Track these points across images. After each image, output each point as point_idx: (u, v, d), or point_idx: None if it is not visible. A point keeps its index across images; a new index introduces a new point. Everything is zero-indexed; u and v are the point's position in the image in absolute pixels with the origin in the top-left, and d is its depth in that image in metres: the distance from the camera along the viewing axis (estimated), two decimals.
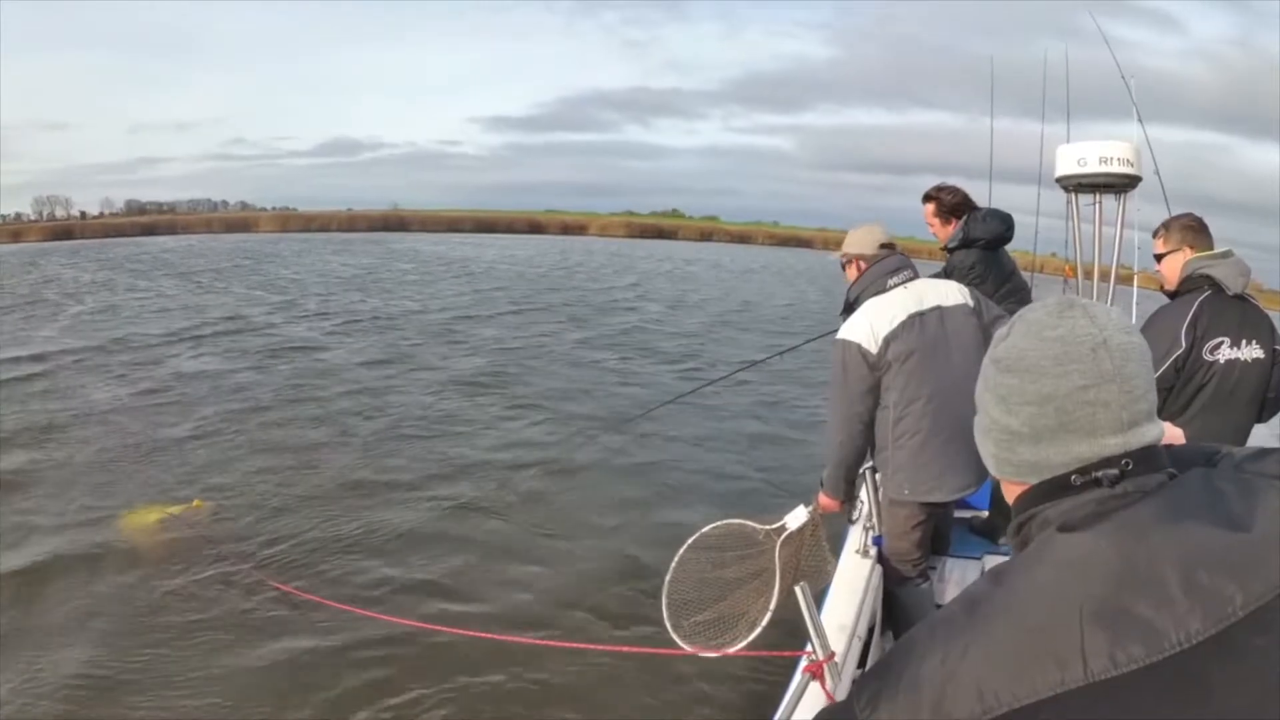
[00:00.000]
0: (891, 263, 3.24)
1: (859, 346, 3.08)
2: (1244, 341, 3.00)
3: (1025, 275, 4.57)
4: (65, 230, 71.60)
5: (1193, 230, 3.19)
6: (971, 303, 3.25)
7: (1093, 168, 4.26)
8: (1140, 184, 4.41)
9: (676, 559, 3.01)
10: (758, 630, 2.80)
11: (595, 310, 19.39)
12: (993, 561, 3.77)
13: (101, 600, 4.74)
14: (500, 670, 4.09)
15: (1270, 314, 3.06)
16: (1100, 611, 0.79)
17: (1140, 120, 4.81)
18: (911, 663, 0.89)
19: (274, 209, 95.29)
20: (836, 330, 3.25)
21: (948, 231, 4.29)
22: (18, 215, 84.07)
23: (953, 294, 3.24)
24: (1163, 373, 2.98)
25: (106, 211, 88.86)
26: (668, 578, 2.97)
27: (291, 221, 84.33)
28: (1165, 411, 3.01)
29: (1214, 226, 3.19)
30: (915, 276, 3.24)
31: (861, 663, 2.78)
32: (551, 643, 3.94)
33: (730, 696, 3.94)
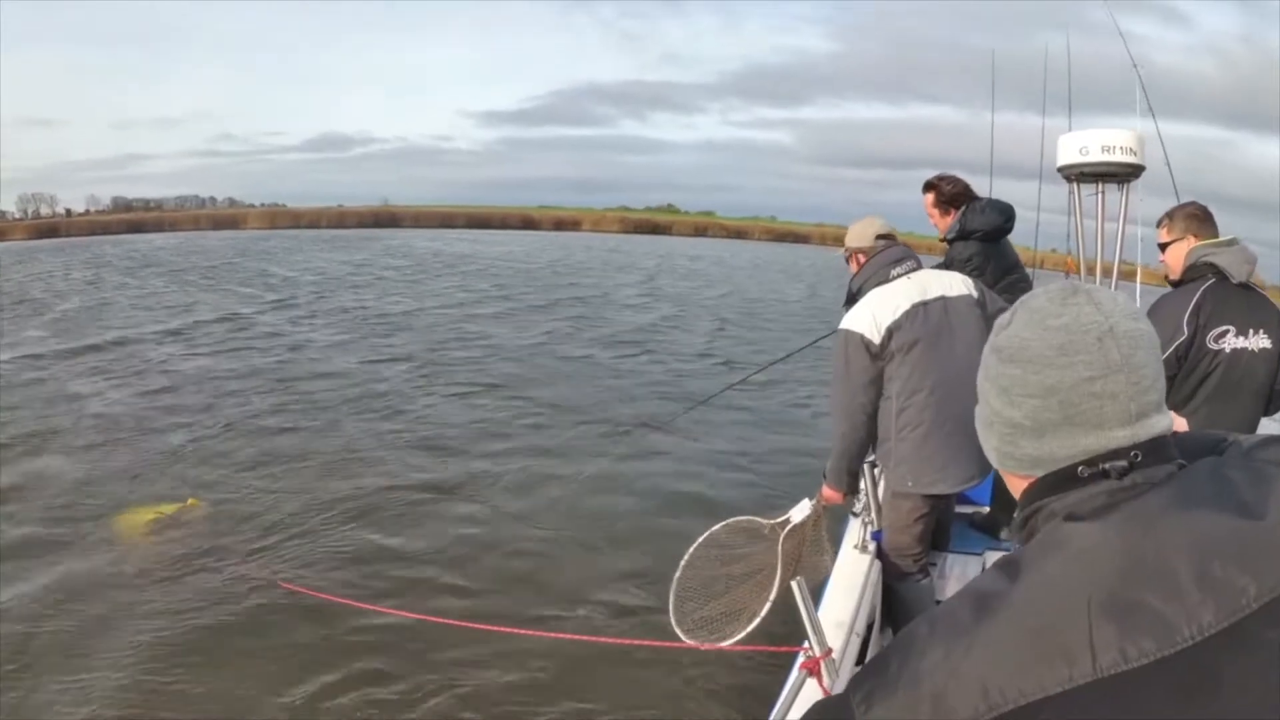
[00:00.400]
0: (894, 253, 3.26)
1: (861, 336, 3.09)
2: (1251, 330, 2.99)
3: (1027, 271, 4.56)
4: (51, 228, 71.38)
5: (1196, 219, 3.19)
6: (975, 294, 3.27)
7: (1095, 156, 4.22)
8: (1144, 175, 4.39)
9: (686, 556, 3.05)
10: (755, 623, 2.83)
11: (612, 307, 19.50)
12: (994, 557, 3.76)
13: (100, 600, 4.73)
14: (500, 661, 4.14)
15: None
16: (1109, 604, 0.77)
17: (1152, 111, 4.80)
18: (911, 658, 0.85)
19: (263, 205, 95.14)
20: (827, 334, 3.26)
21: (947, 222, 4.28)
22: (2, 214, 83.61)
23: (957, 284, 3.26)
24: (1164, 360, 2.96)
25: (93, 209, 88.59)
26: (676, 575, 3.00)
27: (280, 218, 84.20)
28: (1169, 402, 2.99)
29: (1219, 222, 3.19)
30: (918, 267, 3.26)
31: (860, 659, 2.78)
32: (552, 634, 3.96)
33: (729, 691, 3.95)
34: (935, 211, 4.32)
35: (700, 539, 3.13)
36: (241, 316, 15.93)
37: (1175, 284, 3.17)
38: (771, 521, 3.21)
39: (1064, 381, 0.92)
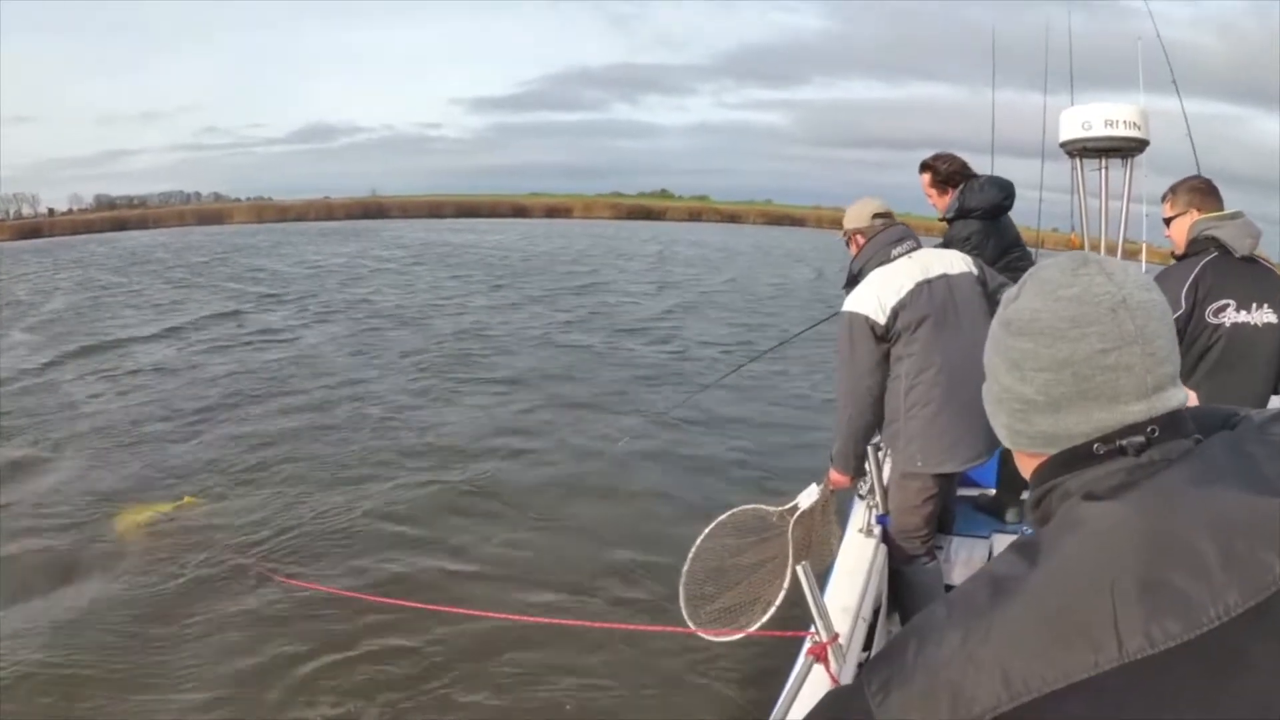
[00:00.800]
0: (894, 233, 3.27)
1: (866, 318, 3.09)
2: (1254, 305, 2.97)
3: (1030, 251, 4.55)
4: (33, 229, 70.91)
5: (1200, 192, 3.18)
6: (975, 271, 3.28)
7: (1098, 131, 4.21)
8: (1148, 150, 4.37)
9: (694, 548, 3.04)
10: (771, 612, 2.82)
11: (615, 294, 19.52)
12: (1001, 540, 3.78)
13: (96, 601, 4.74)
14: (505, 649, 4.17)
15: None
16: (1133, 586, 0.75)
17: (1176, 85, 4.79)
18: (928, 646, 0.84)
19: (248, 199, 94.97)
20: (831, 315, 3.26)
21: (945, 201, 4.25)
22: None
23: (957, 262, 3.26)
24: None
25: (75, 207, 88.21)
26: (685, 567, 3.00)
27: (267, 212, 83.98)
28: None
29: (1227, 199, 3.18)
30: (918, 246, 3.26)
31: (867, 645, 2.79)
32: (555, 620, 3.97)
33: (735, 676, 3.97)
34: (933, 191, 4.29)
35: (707, 530, 3.12)
36: (232, 314, 15.85)
37: (1179, 259, 3.16)
38: (779, 509, 3.21)
39: (1077, 354, 0.90)
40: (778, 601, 2.83)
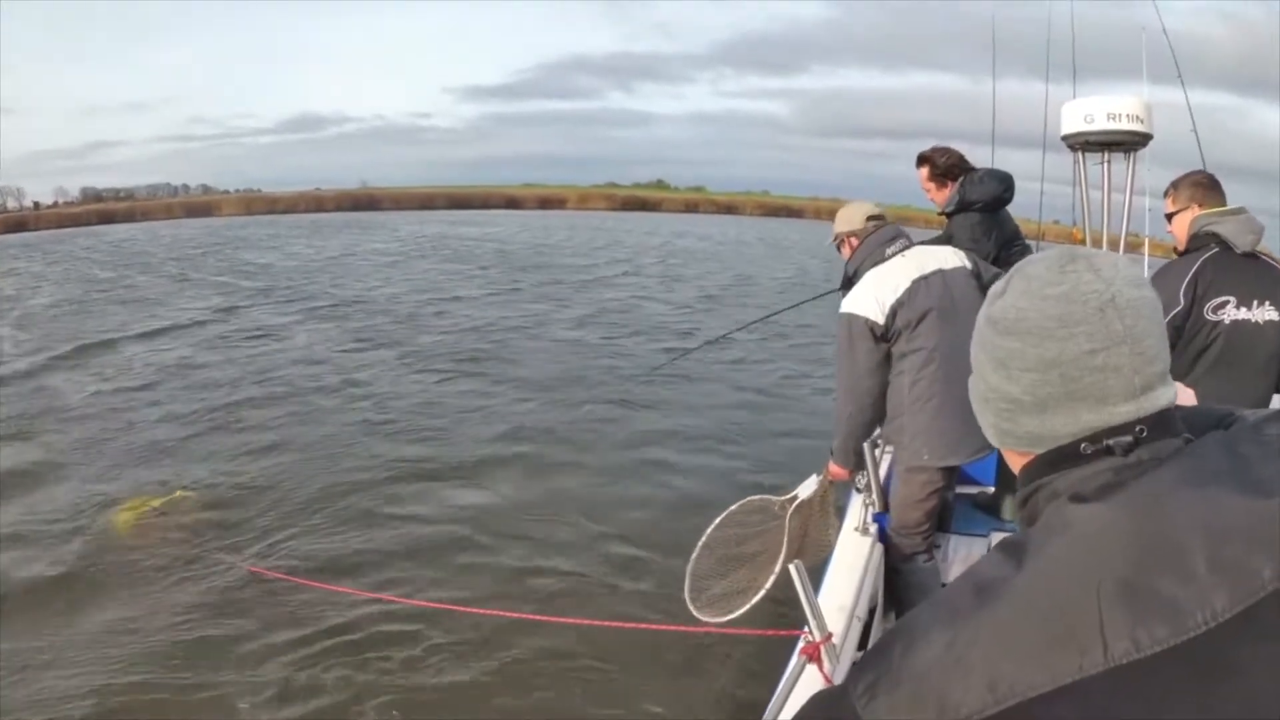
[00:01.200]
0: (887, 232, 3.34)
1: (866, 320, 3.14)
2: (1255, 302, 2.95)
3: (1030, 244, 4.54)
4: (18, 222, 70.43)
5: (1202, 187, 3.17)
6: (970, 265, 3.32)
7: (1100, 125, 4.18)
8: (1151, 144, 4.36)
9: (704, 538, 3.20)
10: (756, 598, 2.97)
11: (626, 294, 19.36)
12: (999, 538, 3.78)
13: (89, 596, 4.76)
14: (498, 645, 4.18)
15: None
16: (1120, 589, 0.75)
17: (1180, 77, 4.77)
18: (914, 649, 0.84)
19: (237, 191, 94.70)
20: (834, 289, 3.31)
21: (944, 195, 4.25)
22: None
23: (951, 258, 3.31)
24: None
25: (61, 201, 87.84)
26: (693, 555, 3.16)
27: (256, 204, 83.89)
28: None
29: (1232, 193, 3.16)
30: (911, 244, 3.32)
31: (862, 644, 2.80)
32: (547, 618, 4.00)
33: (732, 674, 3.99)
34: (931, 185, 4.29)
35: (717, 520, 3.26)
36: (222, 307, 15.81)
37: (1181, 255, 3.15)
38: (782, 499, 3.34)
39: (1064, 354, 0.89)
40: (766, 586, 2.97)
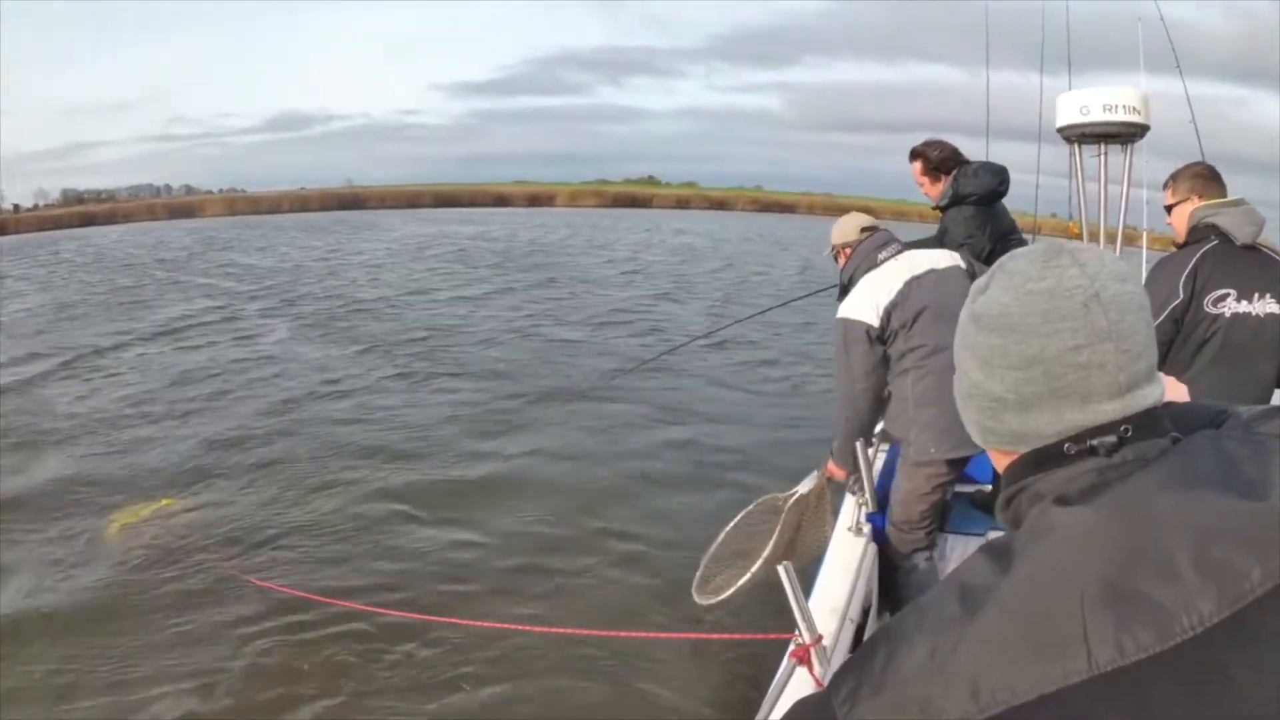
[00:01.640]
0: (879, 238, 3.45)
1: (862, 324, 3.22)
2: (1255, 295, 2.95)
3: (1027, 238, 4.54)
4: None
5: (1202, 179, 3.18)
6: (964, 265, 3.38)
7: (1096, 116, 4.18)
8: (1149, 135, 4.35)
9: (720, 536, 3.34)
10: (742, 580, 3.05)
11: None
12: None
13: (73, 606, 4.74)
14: (486, 654, 4.18)
15: None
16: (1103, 595, 0.74)
17: (1179, 66, 4.76)
18: (897, 655, 0.83)
19: (220, 191, 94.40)
20: (827, 287, 3.37)
21: (937, 189, 4.25)
22: None
23: (944, 258, 3.39)
24: (1160, 324, 2.96)
25: (41, 203, 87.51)
26: (710, 550, 3.30)
27: (240, 204, 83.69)
28: (1168, 367, 3.00)
29: (1234, 185, 3.17)
30: (903, 249, 3.42)
31: (855, 646, 2.78)
32: (535, 628, 3.97)
33: (724, 678, 4.01)
34: (924, 180, 4.30)
35: (734, 520, 3.38)
36: (209, 311, 15.76)
37: (1180, 247, 3.16)
38: (784, 495, 3.44)
39: (1048, 351, 0.89)
40: (752, 570, 3.05)
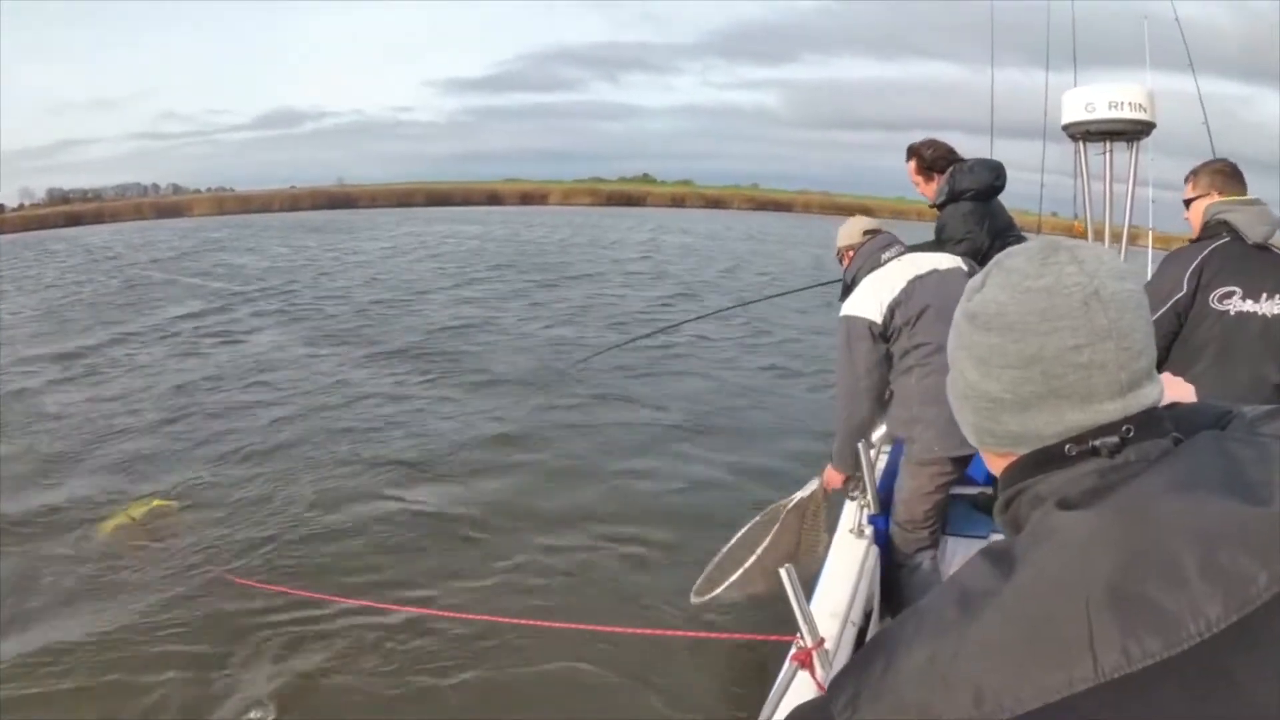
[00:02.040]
0: (882, 240, 3.52)
1: (864, 320, 3.27)
2: (1264, 295, 2.95)
3: (1027, 235, 4.54)
4: None
5: (1222, 175, 3.18)
6: (966, 267, 3.43)
7: (1101, 114, 4.20)
8: (1154, 132, 4.36)
9: (727, 546, 3.42)
10: (732, 579, 3.10)
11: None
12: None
13: (73, 611, 4.73)
14: (485, 651, 4.19)
15: None
16: (1109, 601, 0.73)
17: (1192, 65, 4.76)
18: (896, 660, 0.82)
19: (209, 190, 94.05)
20: (827, 280, 3.40)
21: (932, 188, 4.27)
22: None
23: (946, 260, 3.45)
24: (1162, 316, 2.98)
25: (27, 203, 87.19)
26: (713, 561, 3.37)
27: (229, 203, 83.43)
28: (1171, 363, 3.02)
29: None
30: (906, 250, 3.48)
31: (857, 650, 2.78)
32: (535, 622, 4.00)
33: (724, 681, 4.01)
34: (919, 179, 4.32)
35: (744, 529, 3.47)
36: (201, 313, 15.70)
37: (1194, 243, 3.16)
38: (783, 502, 3.53)
39: (1047, 350, 0.87)
40: (744, 567, 3.11)
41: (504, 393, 9.39)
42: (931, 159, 4.24)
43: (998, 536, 3.05)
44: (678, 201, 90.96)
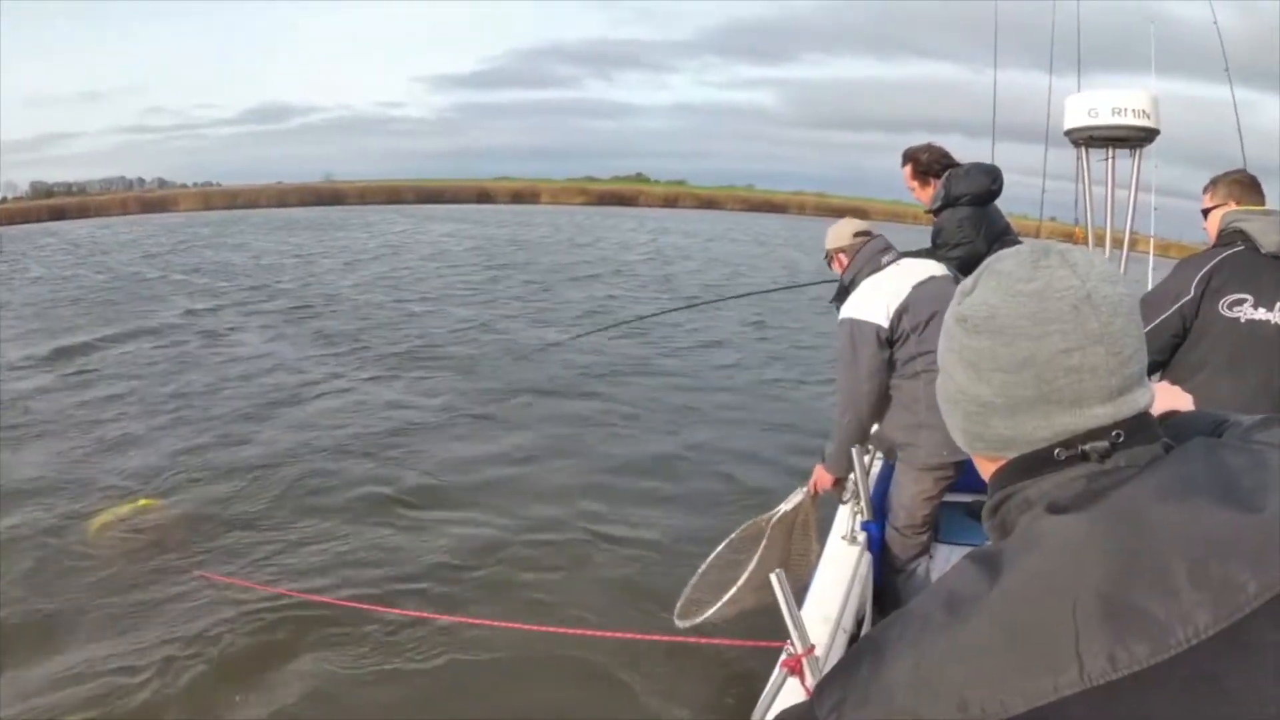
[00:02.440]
0: (880, 243, 3.56)
1: (872, 325, 3.29)
2: (1277, 304, 2.95)
3: (1023, 240, 4.55)
4: None
5: (1240, 185, 3.22)
6: (955, 275, 3.48)
7: (1104, 119, 4.22)
8: (1157, 139, 4.37)
9: (703, 566, 3.41)
10: (720, 604, 3.11)
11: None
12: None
13: (56, 608, 4.74)
14: (470, 654, 4.22)
15: None
16: (1096, 607, 0.74)
17: (1229, 74, 4.77)
18: (883, 666, 0.82)
19: (195, 185, 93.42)
20: (825, 280, 3.64)
21: (928, 193, 4.31)
22: None
23: (939, 269, 3.50)
24: (1167, 317, 3.00)
25: (10, 196, 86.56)
26: (691, 581, 3.36)
27: (215, 199, 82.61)
28: (1180, 369, 3.04)
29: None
30: (900, 257, 3.54)
31: None
32: (524, 626, 4.01)
33: (714, 687, 4.02)
34: (915, 184, 4.36)
35: (719, 548, 3.44)
36: (191, 311, 15.65)
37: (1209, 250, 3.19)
38: (768, 515, 3.52)
39: (1038, 354, 0.89)
40: (739, 582, 3.11)
41: (503, 395, 9.44)
42: (927, 163, 4.26)
43: None
44: (671, 201, 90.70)
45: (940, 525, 3.93)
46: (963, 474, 3.42)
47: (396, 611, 4.38)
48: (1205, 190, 3.34)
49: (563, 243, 34.01)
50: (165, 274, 22.32)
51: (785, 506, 3.53)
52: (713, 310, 13.05)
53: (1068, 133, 4.44)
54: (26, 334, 13.46)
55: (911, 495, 3.45)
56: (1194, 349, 3.05)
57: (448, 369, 10.73)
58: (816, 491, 3.61)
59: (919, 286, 3.33)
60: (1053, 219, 6.08)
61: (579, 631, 3.76)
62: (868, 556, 3.33)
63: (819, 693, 0.89)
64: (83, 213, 71.68)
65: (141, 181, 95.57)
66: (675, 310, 11.98)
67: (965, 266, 3.70)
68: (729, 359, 11.64)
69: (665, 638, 3.33)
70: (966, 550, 3.17)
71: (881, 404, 3.41)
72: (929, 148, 4.31)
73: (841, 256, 3.62)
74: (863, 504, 3.38)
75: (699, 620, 3.20)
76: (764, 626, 2.90)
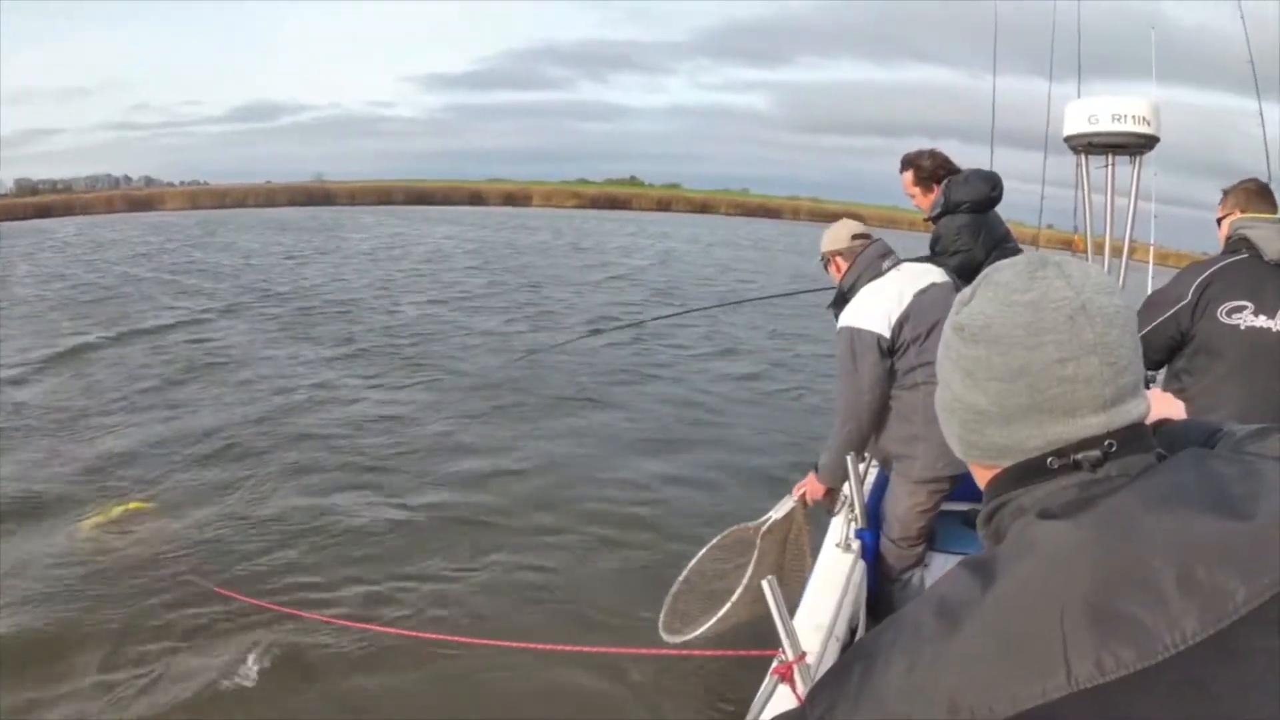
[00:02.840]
0: (879, 247, 3.49)
1: (873, 334, 3.24)
2: (1278, 312, 2.97)
3: (1024, 248, 4.56)
4: None
5: (1247, 193, 3.26)
6: (955, 282, 3.48)
7: (1105, 126, 4.22)
8: (1158, 146, 4.37)
9: (683, 574, 3.40)
10: (715, 619, 3.12)
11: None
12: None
13: (41, 610, 4.75)
14: (464, 673, 4.22)
15: None
16: (1084, 612, 0.75)
17: (1255, 80, 4.78)
18: (875, 670, 0.84)
19: (183, 184, 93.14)
20: (820, 285, 3.62)
21: (929, 200, 4.30)
22: None
23: (939, 274, 3.47)
24: (1163, 321, 3.04)
25: None
26: (672, 590, 3.35)
27: (203, 198, 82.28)
28: (1180, 376, 3.08)
29: None
30: (900, 261, 3.49)
31: None
32: (510, 643, 3.97)
33: (705, 696, 4.04)
34: (916, 190, 4.35)
35: (699, 554, 3.43)
36: (179, 311, 15.67)
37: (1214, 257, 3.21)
38: (755, 524, 3.48)
39: (1033, 364, 0.91)
40: (733, 597, 3.11)
41: (497, 398, 9.52)
42: (930, 170, 4.26)
43: None
44: (664, 205, 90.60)
45: (937, 534, 3.92)
46: (959, 483, 3.42)
47: (377, 628, 4.36)
48: (1221, 201, 3.38)
49: (565, 247, 34.25)
50: (156, 274, 22.32)
51: (775, 515, 3.51)
52: (728, 314, 13.10)
53: (1067, 139, 4.44)
54: (16, 334, 13.42)
55: (906, 508, 3.44)
56: (1194, 355, 3.07)
57: (447, 371, 10.81)
58: (808, 502, 3.58)
59: (920, 294, 3.30)
60: (1050, 226, 6.11)
61: (569, 648, 3.76)
62: (861, 564, 3.32)
63: (810, 698, 0.91)
64: (69, 210, 71.33)
65: (128, 179, 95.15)
66: (696, 311, 12.09)
67: (962, 272, 3.70)
68: (735, 369, 11.67)
69: (653, 651, 3.34)
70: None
71: (882, 414, 3.39)
72: (930, 154, 4.31)
73: (839, 260, 3.55)
74: (857, 511, 3.35)
75: (689, 637, 3.20)
76: (755, 636, 2.90)
